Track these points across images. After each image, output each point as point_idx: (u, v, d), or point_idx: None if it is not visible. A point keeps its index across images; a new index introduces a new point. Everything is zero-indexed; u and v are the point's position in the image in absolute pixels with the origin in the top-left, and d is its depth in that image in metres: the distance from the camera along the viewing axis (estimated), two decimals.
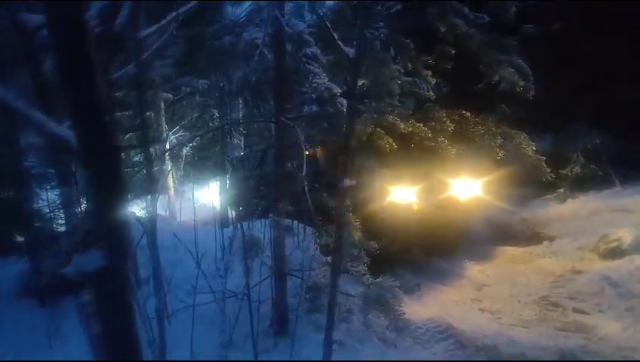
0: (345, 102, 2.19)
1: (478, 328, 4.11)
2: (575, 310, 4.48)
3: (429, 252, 6.63)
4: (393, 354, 3.26)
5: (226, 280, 4.18)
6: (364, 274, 3.36)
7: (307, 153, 8.13)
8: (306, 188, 2.71)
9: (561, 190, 7.56)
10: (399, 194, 5.99)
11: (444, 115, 5.68)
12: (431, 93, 6.95)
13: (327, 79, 2.56)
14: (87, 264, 1.19)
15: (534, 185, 8.11)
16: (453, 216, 6.68)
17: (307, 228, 5.98)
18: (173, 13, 1.65)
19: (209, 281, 4.13)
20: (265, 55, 2.75)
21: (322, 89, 2.60)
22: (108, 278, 1.20)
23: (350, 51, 1.92)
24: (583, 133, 7.79)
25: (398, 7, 5.86)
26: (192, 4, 1.77)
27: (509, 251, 6.96)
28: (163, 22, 1.64)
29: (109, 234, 1.20)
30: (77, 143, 1.16)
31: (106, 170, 1.17)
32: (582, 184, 7.46)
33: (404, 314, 3.19)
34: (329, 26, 2.13)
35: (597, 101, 7.50)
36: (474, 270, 6.37)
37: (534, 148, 5.42)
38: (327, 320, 2.51)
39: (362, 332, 3.38)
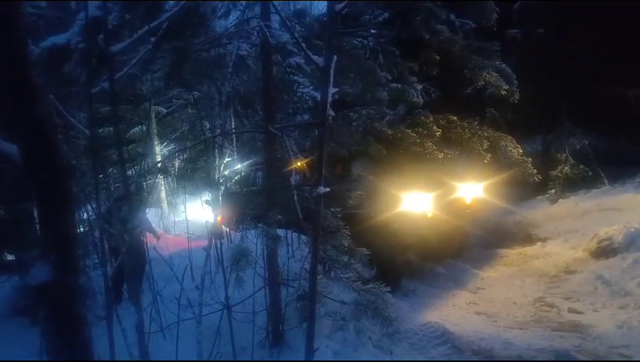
0: (332, 111, 2.21)
1: (474, 331, 4.11)
2: (570, 310, 4.49)
3: (431, 257, 6.65)
4: None
5: (220, 293, 4.18)
6: (355, 281, 3.36)
7: (301, 163, 8.19)
8: (295, 197, 2.71)
9: (552, 191, 7.63)
10: (409, 202, 5.99)
11: (431, 120, 5.73)
12: (420, 99, 7.02)
13: (311, 88, 2.58)
14: (34, 278, 1.19)
15: (526, 186, 8.20)
16: (457, 221, 6.73)
17: (302, 237, 5.98)
18: (146, 27, 1.66)
19: (203, 295, 4.10)
20: (250, 66, 2.78)
21: (306, 98, 2.62)
22: (56, 292, 1.20)
23: (320, 60, 1.94)
24: (571, 133, 7.91)
25: (386, 15, 5.95)
26: (164, 17, 1.79)
27: (503, 253, 6.99)
28: (135, 36, 1.65)
29: (55, 248, 1.20)
30: (20, 159, 1.16)
31: (50, 185, 1.17)
32: (572, 184, 7.54)
33: (395, 319, 3.19)
34: (297, 35, 2.15)
35: (584, 102, 7.63)
36: (469, 273, 6.37)
37: (520, 151, 5.48)
38: (307, 326, 2.50)
39: (358, 340, 3.36)
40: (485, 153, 5.57)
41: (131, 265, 5.31)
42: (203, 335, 3.35)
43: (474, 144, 5.55)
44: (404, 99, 6.53)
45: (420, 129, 5.65)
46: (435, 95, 7.23)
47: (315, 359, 2.73)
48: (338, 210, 3.20)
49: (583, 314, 4.33)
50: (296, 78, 2.61)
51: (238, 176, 8.94)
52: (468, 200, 6.76)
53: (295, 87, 2.63)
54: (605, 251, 5.43)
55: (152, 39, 1.78)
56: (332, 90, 1.99)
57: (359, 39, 5.50)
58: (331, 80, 1.93)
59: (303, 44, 1.93)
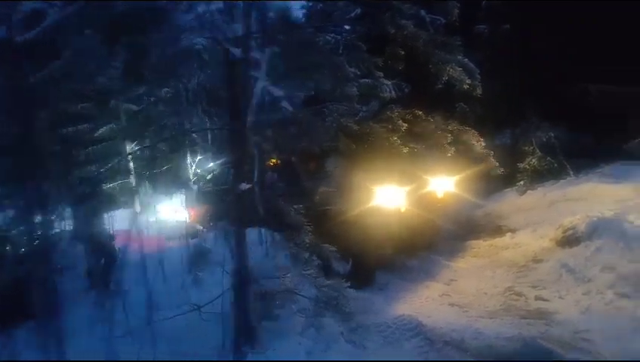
0: (290, 107, 2.17)
1: (446, 323, 4.18)
2: (537, 298, 4.64)
3: (403, 251, 6.71)
4: (363, 356, 3.25)
5: (192, 294, 4.09)
6: (317, 277, 3.36)
7: (274, 161, 8.08)
8: (257, 195, 2.67)
9: (521, 183, 7.86)
10: (382, 197, 6.02)
11: (396, 114, 5.78)
12: (392, 94, 7.07)
13: (268, 83, 2.54)
14: None
15: (496, 179, 8.42)
16: (428, 215, 6.82)
17: (276, 235, 5.92)
18: (50, 19, 1.57)
19: (175, 296, 4.02)
20: (207, 61, 2.71)
21: (263, 93, 2.58)
22: None
23: (237, 51, 1.90)
24: (537, 127, 8.15)
25: (358, 11, 5.96)
26: (69, 9, 1.70)
27: (474, 245, 7.15)
28: (39, 28, 1.56)
29: None
30: None
31: None
32: (539, 176, 7.79)
33: (356, 313, 3.21)
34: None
35: (549, 97, 7.88)
36: (441, 265, 6.49)
37: (483, 145, 5.60)
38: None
39: (330, 336, 3.36)
40: (449, 147, 5.66)
41: (100, 264, 5.15)
42: (171, 337, 3.28)
43: (438, 138, 5.64)
44: (376, 95, 6.59)
45: (387, 124, 5.70)
46: (407, 90, 7.31)
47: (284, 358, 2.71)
48: (301, 206, 3.18)
49: (549, 302, 4.48)
50: (253, 73, 2.56)
51: (211, 174, 8.78)
52: (439, 195, 6.88)
53: (252, 82, 2.58)
54: (570, 240, 5.62)
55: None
56: (262, 83, 1.94)
57: (331, 35, 5.50)
58: (263, 74, 1.88)
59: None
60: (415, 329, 4.02)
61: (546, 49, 7.49)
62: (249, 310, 3.32)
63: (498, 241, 6.94)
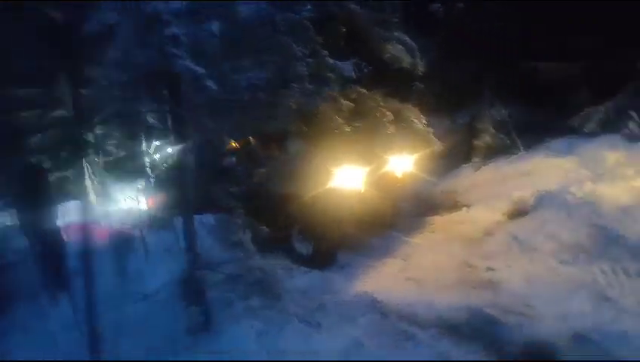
0: (215, 86, 2.13)
1: (401, 297, 4.33)
2: (487, 269, 4.87)
3: (364, 229, 6.84)
4: (318, 334, 3.34)
5: (150, 282, 4.04)
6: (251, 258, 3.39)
7: (234, 144, 7.93)
8: (192, 179, 2.64)
9: (476, 159, 8.13)
10: (342, 178, 6.05)
11: (338, 93, 5.78)
12: (352, 74, 7.04)
13: (188, 61, 2.48)
14: None
15: (454, 157, 8.68)
16: (388, 194, 6.95)
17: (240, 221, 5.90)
18: None
19: (125, 286, 3.95)
20: (125, 37, 2.60)
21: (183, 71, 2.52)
22: None
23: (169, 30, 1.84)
24: (492, 105, 8.41)
25: None
26: None
27: (432, 221, 7.37)
28: None
29: None
30: None
31: None
32: (493, 152, 8.09)
33: (310, 293, 3.28)
34: None
35: (502, 75, 8.13)
36: (401, 242, 6.67)
37: (424, 122, 5.72)
38: None
39: (284, 317, 3.42)
40: (389, 125, 5.73)
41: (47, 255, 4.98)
42: (120, 327, 3.24)
43: (378, 116, 5.69)
44: (339, 75, 6.56)
45: (331, 103, 5.70)
46: (366, 71, 7.32)
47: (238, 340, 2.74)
48: (236, 188, 3.18)
49: (498, 272, 4.71)
50: (173, 50, 2.49)
51: (170, 160, 8.55)
52: (398, 174, 7.03)
53: (173, 61, 2.50)
54: (519, 213, 5.91)
55: None
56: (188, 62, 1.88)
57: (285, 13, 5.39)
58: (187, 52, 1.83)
59: None
60: (370, 305, 4.16)
61: (497, 28, 7.68)
62: (201, 296, 3.32)
63: (454, 216, 7.19)
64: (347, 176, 6.09)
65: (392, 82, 6.88)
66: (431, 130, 5.75)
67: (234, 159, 6.98)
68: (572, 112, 7.47)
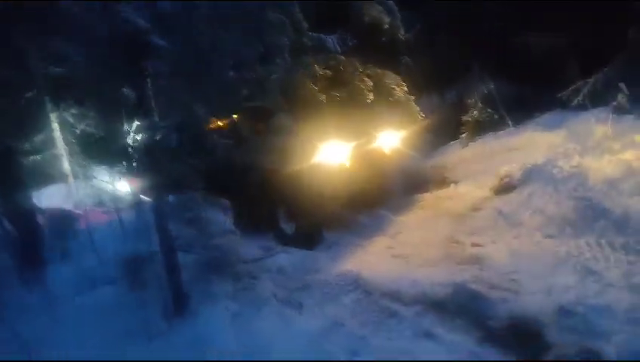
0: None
1: (386, 275, 4.27)
2: (473, 244, 4.83)
3: (352, 208, 6.74)
4: (298, 315, 3.25)
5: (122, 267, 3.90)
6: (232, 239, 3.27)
7: (219, 123, 7.68)
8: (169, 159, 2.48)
9: (464, 135, 8.03)
10: (325, 153, 5.90)
11: (311, 60, 5.56)
12: (337, 48, 6.81)
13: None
14: None
15: (442, 133, 8.57)
16: (376, 170, 6.83)
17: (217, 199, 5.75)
18: None
19: (103, 270, 3.82)
20: None
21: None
22: None
23: None
24: (480, 80, 8.26)
25: None
26: None
27: (420, 198, 7.31)
28: None
29: None
30: None
31: None
32: (481, 128, 7.99)
33: (294, 273, 3.18)
34: None
35: (491, 49, 7.95)
36: (389, 219, 6.61)
37: (405, 90, 5.55)
38: None
39: (262, 298, 3.32)
40: (368, 93, 5.53)
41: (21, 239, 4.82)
42: (97, 311, 3.12)
43: (357, 83, 5.49)
44: (324, 48, 6.33)
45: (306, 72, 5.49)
46: (351, 44, 7.08)
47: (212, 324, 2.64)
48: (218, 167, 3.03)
49: (483, 247, 4.67)
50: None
51: (150, 140, 8.29)
52: (387, 150, 6.90)
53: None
54: (505, 188, 5.85)
55: None
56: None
57: None
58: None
59: None
60: (354, 284, 4.09)
61: (486, 2, 7.47)
62: (177, 277, 3.20)
63: (442, 192, 7.13)
64: (332, 153, 5.95)
65: (378, 54, 6.67)
66: (412, 97, 5.53)
67: (215, 137, 6.78)
68: (561, 86, 7.36)
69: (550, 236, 4.41)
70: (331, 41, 6.70)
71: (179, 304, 3.18)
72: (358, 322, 3.30)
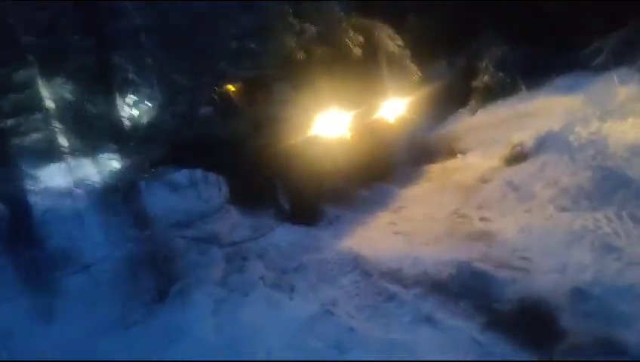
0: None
1: (387, 253, 4.01)
2: (481, 219, 4.52)
3: (355, 181, 6.45)
4: (289, 300, 3.03)
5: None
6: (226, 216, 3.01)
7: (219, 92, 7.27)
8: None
9: (474, 102, 7.57)
10: (325, 123, 5.57)
11: (290, 11, 5.11)
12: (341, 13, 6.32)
13: None
14: None
15: (450, 100, 8.11)
16: (381, 142, 6.49)
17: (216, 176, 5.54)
18: None
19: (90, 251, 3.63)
20: None
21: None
22: None
23: None
24: (492, 43, 7.70)
25: None
26: None
27: (427, 169, 6.96)
28: None
29: None
30: None
31: None
32: (492, 94, 7.49)
33: (290, 254, 2.92)
34: None
35: (503, 7, 7.36)
36: (393, 193, 6.30)
37: (399, 43, 5.10)
38: None
39: (249, 282, 3.10)
40: (353, 46, 5.08)
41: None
42: (76, 298, 2.95)
43: (343, 35, 5.03)
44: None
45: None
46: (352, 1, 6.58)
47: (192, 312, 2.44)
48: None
49: (492, 222, 4.37)
50: None
51: (148, 115, 8.04)
52: (391, 119, 6.53)
53: None
54: (517, 157, 5.48)
55: None
56: None
57: None
58: None
59: None
60: (353, 263, 3.85)
61: None
62: (159, 262, 2.98)
63: (450, 163, 6.77)
64: (333, 123, 5.61)
65: (381, 13, 6.20)
66: (407, 51, 5.07)
67: (210, 109, 6.47)
68: (579, 47, 6.80)
69: (565, 209, 4.07)
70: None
71: (161, 289, 2.99)
72: (354, 306, 3.07)
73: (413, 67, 5.12)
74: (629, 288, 2.65)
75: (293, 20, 5.26)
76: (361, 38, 5.06)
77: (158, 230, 3.14)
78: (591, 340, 2.32)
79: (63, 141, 9.08)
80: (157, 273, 2.94)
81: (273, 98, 6.44)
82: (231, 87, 6.63)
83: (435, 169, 6.94)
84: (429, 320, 2.78)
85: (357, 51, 4.92)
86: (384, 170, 7.02)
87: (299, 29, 5.59)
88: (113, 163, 8.48)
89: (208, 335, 2.41)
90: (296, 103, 6.06)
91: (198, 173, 5.19)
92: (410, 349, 2.44)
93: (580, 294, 2.65)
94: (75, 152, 8.83)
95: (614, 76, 6.14)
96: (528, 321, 2.62)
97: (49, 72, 8.84)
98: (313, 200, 5.59)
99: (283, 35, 5.81)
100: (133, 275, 2.93)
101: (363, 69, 5.67)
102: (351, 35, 4.89)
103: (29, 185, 5.68)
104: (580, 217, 3.83)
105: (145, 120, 8.12)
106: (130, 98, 9.10)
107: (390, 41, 4.95)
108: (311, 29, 6.13)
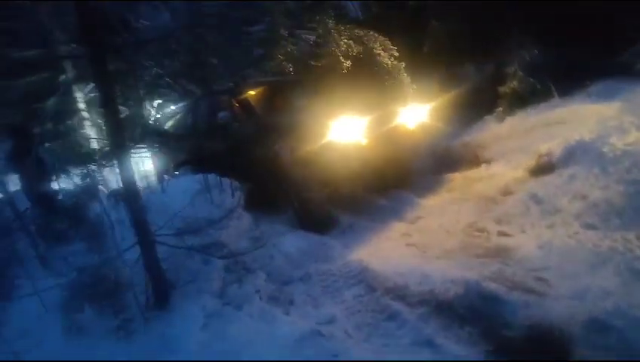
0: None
1: (396, 266, 3.84)
2: (499, 233, 4.27)
3: (373, 189, 6.30)
4: (283, 315, 2.92)
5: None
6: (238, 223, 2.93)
7: (240, 100, 7.32)
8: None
9: (502, 109, 7.23)
10: (341, 130, 5.48)
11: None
12: (359, 15, 6.25)
13: None
14: None
15: (476, 107, 7.79)
16: (401, 149, 6.31)
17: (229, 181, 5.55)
18: None
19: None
20: None
21: None
22: None
23: None
24: (521, 46, 7.33)
25: None
26: None
27: (449, 178, 6.70)
28: None
29: None
30: None
31: None
32: (521, 100, 7.13)
33: (256, 266, 2.80)
34: None
35: (534, 7, 7.00)
36: (412, 203, 6.09)
37: (396, 54, 4.90)
38: None
39: (248, 294, 3.01)
40: (344, 59, 4.90)
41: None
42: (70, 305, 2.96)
43: (334, 49, 4.88)
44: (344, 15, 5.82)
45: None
46: (374, 10, 6.50)
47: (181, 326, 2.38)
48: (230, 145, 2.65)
49: (511, 237, 4.11)
50: None
51: (174, 118, 8.21)
52: (411, 125, 6.34)
53: None
54: (543, 168, 5.16)
55: None
56: None
57: None
58: None
59: None
60: (359, 276, 3.70)
61: None
62: (156, 270, 2.96)
63: (473, 173, 6.49)
64: (350, 129, 5.49)
65: (421, 23, 6.04)
66: (402, 64, 4.88)
67: (228, 114, 6.51)
68: (617, 51, 6.35)
69: (591, 227, 3.77)
70: (352, 6, 6.17)
71: (159, 298, 2.96)
72: (353, 324, 2.93)
73: (407, 79, 4.93)
74: None
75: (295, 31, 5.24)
76: (346, 45, 4.92)
77: (161, 237, 3.11)
78: None
79: (94, 144, 9.36)
80: (152, 285, 2.90)
81: (291, 104, 6.40)
82: (251, 93, 6.66)
83: (457, 178, 6.66)
84: (430, 343, 2.60)
85: (346, 62, 4.81)
86: (404, 178, 6.81)
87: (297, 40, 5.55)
88: (139, 165, 8.69)
89: (194, 351, 2.33)
90: (313, 109, 5.99)
91: (212, 178, 5.19)
92: None
93: (598, 325, 2.41)
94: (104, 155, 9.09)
95: None
96: (537, 352, 2.40)
97: (82, 78, 9.18)
98: (326, 208, 5.48)
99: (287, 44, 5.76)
100: (125, 283, 2.91)
101: (380, 77, 5.53)
102: (343, 46, 4.77)
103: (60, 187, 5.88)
104: (609, 237, 3.52)
105: (169, 123, 8.31)
106: (155, 102, 9.33)
107: (383, 52, 4.78)
108: (309, 39, 6.05)
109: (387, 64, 4.82)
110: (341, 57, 4.84)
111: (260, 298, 3.05)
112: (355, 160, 5.47)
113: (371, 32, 5.19)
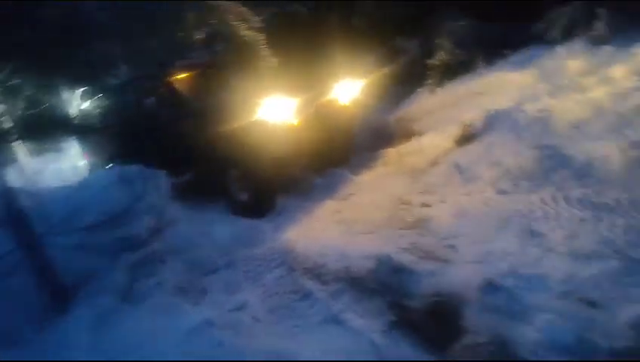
0: None
1: (319, 246, 3.84)
2: (422, 205, 4.37)
3: (309, 169, 6.23)
4: (193, 306, 2.84)
5: None
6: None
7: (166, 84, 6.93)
8: None
9: (430, 81, 7.34)
10: (274, 110, 5.31)
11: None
12: None
13: None
14: None
15: (409, 81, 7.87)
16: (336, 126, 6.26)
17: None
18: None
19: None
20: None
21: None
22: None
23: None
24: (447, 18, 7.43)
25: None
26: None
27: (383, 153, 6.76)
28: None
29: None
30: None
31: None
32: (450, 72, 7.26)
33: (171, 256, 2.72)
34: None
35: None
36: (347, 180, 6.11)
37: (255, 26, 4.80)
38: None
39: (155, 288, 2.90)
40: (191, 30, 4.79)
41: None
42: None
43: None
44: None
45: None
46: None
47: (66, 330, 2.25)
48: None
49: (431, 208, 4.21)
50: None
51: (99, 108, 7.71)
52: (345, 102, 6.31)
53: None
54: (467, 138, 5.31)
55: None
56: None
57: None
58: None
59: None
60: (282, 258, 3.68)
61: None
62: (49, 271, 2.77)
63: (405, 147, 6.57)
64: (281, 108, 5.36)
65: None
66: (261, 35, 4.79)
67: (154, 99, 6.19)
68: (534, 20, 6.58)
69: (503, 192, 3.93)
70: None
71: (57, 302, 2.78)
72: (266, 308, 2.91)
73: (266, 52, 4.83)
74: (541, 277, 2.51)
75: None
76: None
77: (62, 234, 2.91)
78: (486, 340, 2.18)
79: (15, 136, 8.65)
80: (48, 286, 2.71)
81: (218, 86, 6.17)
82: (178, 77, 6.36)
83: (391, 153, 6.74)
84: (337, 320, 2.63)
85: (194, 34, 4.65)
86: (340, 156, 6.81)
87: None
88: (63, 158, 8.14)
89: (83, 356, 2.20)
90: (240, 90, 5.82)
91: (134, 168, 4.93)
92: (309, 352, 2.28)
93: (490, 287, 2.51)
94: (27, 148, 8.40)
95: (568, 49, 5.96)
96: (435, 319, 2.48)
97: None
98: (266, 192, 5.39)
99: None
100: (18, 288, 2.71)
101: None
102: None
103: None
104: (515, 200, 3.69)
105: (94, 112, 7.81)
106: (79, 91, 8.72)
107: (240, 22, 4.61)
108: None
109: (245, 36, 4.63)
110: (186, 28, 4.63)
111: (166, 291, 2.94)
112: (286, 139, 5.38)
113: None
